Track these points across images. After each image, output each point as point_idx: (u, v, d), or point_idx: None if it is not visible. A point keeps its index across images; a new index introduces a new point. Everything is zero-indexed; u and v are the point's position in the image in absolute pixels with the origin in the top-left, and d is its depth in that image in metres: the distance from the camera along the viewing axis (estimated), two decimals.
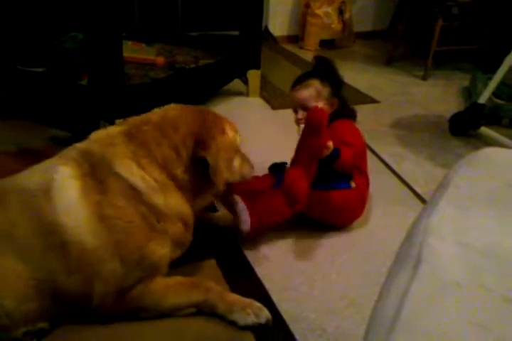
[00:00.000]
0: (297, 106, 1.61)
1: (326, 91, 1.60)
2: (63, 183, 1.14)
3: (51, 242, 1.11)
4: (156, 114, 1.29)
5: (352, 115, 1.68)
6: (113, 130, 1.26)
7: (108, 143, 1.21)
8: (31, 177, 1.20)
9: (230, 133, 1.29)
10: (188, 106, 1.31)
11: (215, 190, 1.30)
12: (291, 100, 1.66)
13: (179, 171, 1.21)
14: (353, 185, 1.57)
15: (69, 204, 1.12)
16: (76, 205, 1.12)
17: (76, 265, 1.11)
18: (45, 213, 1.11)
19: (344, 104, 1.65)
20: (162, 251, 1.20)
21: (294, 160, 1.49)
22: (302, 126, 1.49)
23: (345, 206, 1.55)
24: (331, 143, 1.41)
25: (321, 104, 1.54)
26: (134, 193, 1.16)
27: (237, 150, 1.33)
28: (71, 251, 1.11)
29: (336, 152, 1.43)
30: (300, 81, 1.64)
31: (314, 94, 1.58)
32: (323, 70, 1.65)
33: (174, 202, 1.21)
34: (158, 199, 1.18)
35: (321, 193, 1.51)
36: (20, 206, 1.14)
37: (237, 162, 1.33)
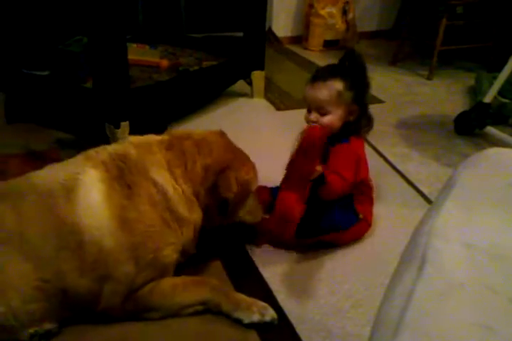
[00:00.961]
0: (312, 105, 1.45)
1: (348, 95, 1.42)
2: (89, 185, 1.16)
3: (67, 242, 1.12)
4: (197, 132, 1.34)
5: (368, 125, 1.51)
6: (153, 138, 1.31)
7: (147, 149, 1.25)
8: (52, 176, 1.20)
9: (251, 175, 1.34)
10: (226, 136, 1.39)
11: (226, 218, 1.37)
12: (307, 96, 1.46)
13: (202, 190, 1.26)
14: (360, 216, 1.51)
15: (91, 206, 1.13)
16: (98, 207, 1.13)
17: (90, 265, 1.13)
18: (64, 213, 1.12)
19: (364, 113, 1.48)
20: (174, 255, 1.23)
21: (285, 181, 1.41)
22: None
23: (356, 238, 1.54)
24: (319, 168, 1.34)
25: (329, 119, 1.42)
26: (162, 199, 1.20)
27: (250, 193, 1.37)
28: (87, 251, 1.12)
29: (323, 178, 1.36)
30: (322, 77, 1.44)
31: (335, 97, 1.41)
32: (351, 68, 1.44)
33: (195, 216, 1.26)
34: (183, 210, 1.23)
35: (332, 236, 1.47)
36: (35, 205, 1.15)
37: (249, 201, 1.37)
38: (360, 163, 1.48)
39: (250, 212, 1.40)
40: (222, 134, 1.38)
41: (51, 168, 1.25)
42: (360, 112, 1.46)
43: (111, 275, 1.14)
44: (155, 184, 1.20)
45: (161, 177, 1.21)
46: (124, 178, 1.18)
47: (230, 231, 1.54)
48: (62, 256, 1.12)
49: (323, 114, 1.43)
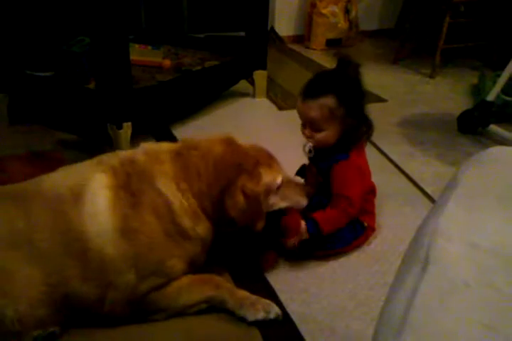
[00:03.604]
0: (305, 121, 1.42)
1: (341, 111, 1.36)
2: (96, 191, 1.15)
3: (72, 248, 1.12)
4: (205, 142, 1.28)
5: (367, 133, 1.44)
6: (165, 146, 1.29)
7: (155, 157, 1.23)
8: (62, 180, 1.20)
9: (267, 177, 1.26)
10: (234, 143, 1.29)
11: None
12: (299, 112, 1.42)
13: (209, 206, 1.23)
14: (365, 225, 1.51)
15: (96, 213, 1.13)
16: (103, 215, 1.13)
17: (93, 273, 1.13)
18: (71, 219, 1.12)
19: (362, 123, 1.41)
20: (179, 267, 1.22)
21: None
22: (310, 144, 1.44)
23: (361, 244, 1.54)
24: (299, 232, 1.34)
25: (322, 135, 1.38)
26: (167, 211, 1.18)
27: (272, 190, 1.29)
28: (91, 259, 1.12)
29: (314, 229, 1.35)
30: (313, 94, 1.37)
31: (327, 115, 1.35)
32: (344, 79, 1.38)
33: (201, 231, 1.23)
34: (188, 224, 1.21)
35: (339, 249, 1.47)
36: (44, 211, 1.14)
37: (272, 199, 1.31)
38: (363, 174, 1.46)
39: (282, 201, 1.33)
40: (229, 142, 1.29)
41: (64, 170, 1.25)
42: (357, 124, 1.40)
43: (112, 283, 1.14)
44: (160, 195, 1.18)
45: (167, 188, 1.19)
46: (130, 185, 1.17)
47: (239, 240, 1.53)
48: (67, 262, 1.12)
49: (317, 130, 1.40)
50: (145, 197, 1.17)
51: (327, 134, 1.40)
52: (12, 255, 1.11)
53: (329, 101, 1.35)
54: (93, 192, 1.15)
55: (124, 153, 1.26)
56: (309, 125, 1.40)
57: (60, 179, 1.21)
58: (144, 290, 1.17)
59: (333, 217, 1.39)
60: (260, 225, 1.27)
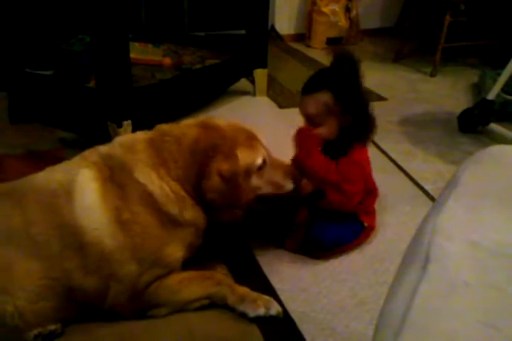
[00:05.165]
0: (305, 117, 1.45)
1: (337, 107, 1.38)
2: (84, 185, 1.16)
3: (70, 242, 1.13)
4: (180, 126, 1.28)
5: (370, 131, 1.46)
6: (139, 136, 1.28)
7: (130, 148, 1.23)
8: (51, 177, 1.21)
9: (244, 158, 1.24)
10: (209, 125, 1.27)
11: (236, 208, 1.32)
12: (299, 109, 1.46)
13: (190, 189, 1.23)
14: (365, 225, 1.51)
15: (89, 207, 1.14)
16: (96, 208, 1.14)
17: (94, 266, 1.14)
18: (65, 214, 1.14)
19: (360, 120, 1.42)
20: (177, 254, 1.23)
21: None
22: None
23: (361, 243, 1.54)
24: (309, 186, 1.40)
25: (322, 130, 1.41)
26: (151, 200, 1.18)
27: (252, 171, 1.27)
28: (90, 252, 1.13)
29: (319, 193, 1.40)
30: (310, 89, 1.41)
31: (322, 110, 1.38)
32: (339, 77, 1.39)
33: (190, 215, 1.23)
34: (173, 210, 1.20)
35: (339, 249, 1.47)
36: (39, 206, 1.16)
37: (255, 182, 1.28)
38: (364, 171, 1.46)
39: (266, 185, 1.31)
40: (204, 125, 1.27)
41: (51, 169, 1.26)
42: (354, 121, 1.41)
43: (115, 274, 1.15)
44: (140, 185, 1.18)
45: (146, 177, 1.18)
46: (114, 178, 1.18)
47: (234, 229, 1.54)
48: (66, 256, 1.13)
49: (316, 125, 1.42)
50: (128, 188, 1.17)
51: (325, 130, 1.42)
52: (10, 250, 1.12)
53: (324, 96, 1.37)
54: (82, 186, 1.16)
55: (103, 148, 1.26)
56: (308, 120, 1.44)
57: (50, 175, 1.23)
58: (146, 281, 1.18)
59: (335, 196, 1.40)
60: (240, 207, 1.27)
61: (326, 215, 1.47)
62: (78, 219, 1.13)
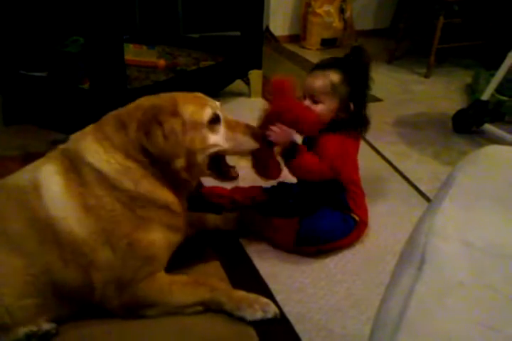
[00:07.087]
0: (307, 92, 1.45)
1: (343, 90, 1.41)
2: (48, 179, 1.18)
3: (45, 235, 1.14)
4: (132, 103, 1.29)
5: (363, 125, 1.48)
6: (91, 125, 1.29)
7: (80, 136, 1.25)
8: (20, 176, 1.24)
9: (187, 113, 1.22)
10: (161, 94, 1.29)
11: (194, 172, 1.26)
12: (305, 83, 1.45)
13: (139, 156, 1.20)
14: (357, 219, 1.50)
15: (56, 198, 1.15)
16: (62, 198, 1.15)
17: (70, 255, 1.14)
18: (37, 208, 1.15)
19: (358, 112, 1.45)
20: (150, 237, 1.20)
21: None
22: None
23: (355, 240, 1.54)
24: (284, 135, 1.33)
25: (320, 108, 1.40)
26: (105, 180, 1.17)
27: (202, 125, 1.23)
28: (64, 242, 1.14)
29: (295, 149, 1.35)
30: (321, 66, 1.46)
31: (328, 88, 1.40)
32: (354, 64, 1.44)
33: (145, 187, 1.19)
34: (128, 185, 1.18)
35: (332, 244, 1.47)
36: (12, 203, 1.17)
37: (211, 139, 1.25)
38: (347, 158, 1.45)
39: (224, 141, 1.27)
40: (163, 95, 1.28)
41: (21, 169, 1.28)
42: (353, 111, 1.44)
43: (92, 262, 1.15)
44: (91, 167, 1.17)
45: (93, 155, 1.18)
46: (74, 167, 1.19)
47: (229, 230, 1.55)
48: (44, 249, 1.14)
49: (315, 102, 1.43)
50: (85, 174, 1.18)
51: (323, 108, 1.43)
52: None
53: (334, 75, 1.42)
54: (46, 180, 1.17)
55: (62, 145, 1.28)
56: (310, 95, 1.43)
57: (19, 175, 1.25)
58: (129, 273, 1.17)
59: (308, 156, 1.37)
60: (180, 162, 1.21)
61: (316, 209, 1.48)
62: (48, 211, 1.14)
